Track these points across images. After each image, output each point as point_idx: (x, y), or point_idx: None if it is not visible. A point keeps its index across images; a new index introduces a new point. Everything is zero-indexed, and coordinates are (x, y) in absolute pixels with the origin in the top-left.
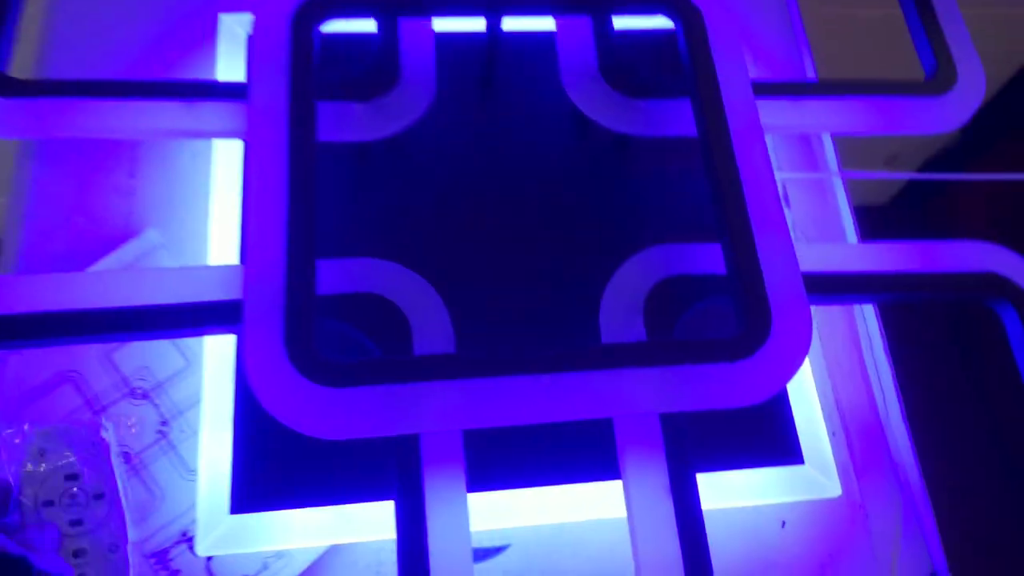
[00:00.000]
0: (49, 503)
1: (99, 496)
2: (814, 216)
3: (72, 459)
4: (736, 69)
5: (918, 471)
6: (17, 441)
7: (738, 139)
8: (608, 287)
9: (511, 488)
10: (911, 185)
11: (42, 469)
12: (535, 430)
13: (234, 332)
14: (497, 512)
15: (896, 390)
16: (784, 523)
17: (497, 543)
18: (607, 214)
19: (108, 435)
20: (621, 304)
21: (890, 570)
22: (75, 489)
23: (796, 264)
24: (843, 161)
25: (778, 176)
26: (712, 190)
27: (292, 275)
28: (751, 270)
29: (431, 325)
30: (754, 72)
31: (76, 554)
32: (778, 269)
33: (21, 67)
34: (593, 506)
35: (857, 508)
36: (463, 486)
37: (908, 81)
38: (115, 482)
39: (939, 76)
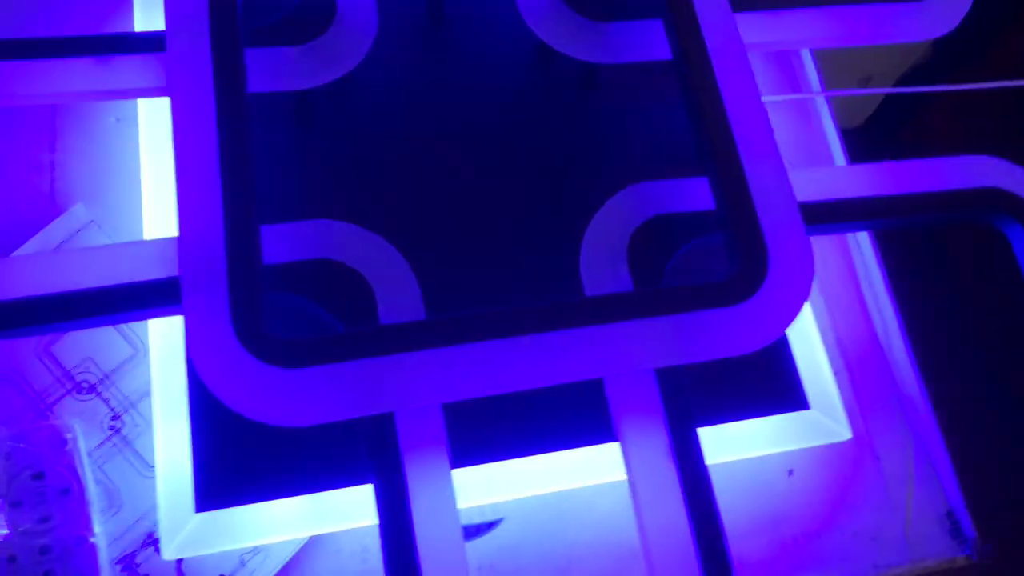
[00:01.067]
0: (18, 504)
1: (65, 492)
2: (797, 140)
3: (34, 460)
4: None
5: (928, 405)
6: None
7: (718, 59)
8: (587, 233)
9: (499, 460)
10: (886, 105)
11: (10, 471)
12: (520, 395)
13: (179, 312)
14: (486, 486)
15: (898, 321)
16: (792, 472)
17: (489, 518)
18: (579, 154)
19: (72, 434)
20: (603, 251)
21: (905, 512)
22: (42, 487)
23: (792, 193)
24: (827, 80)
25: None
26: (693, 118)
27: (233, 243)
28: (743, 203)
29: (396, 290)
30: None
31: (43, 551)
32: (772, 200)
33: None
34: (589, 472)
35: (866, 450)
36: (447, 463)
37: None
38: (81, 478)
39: None
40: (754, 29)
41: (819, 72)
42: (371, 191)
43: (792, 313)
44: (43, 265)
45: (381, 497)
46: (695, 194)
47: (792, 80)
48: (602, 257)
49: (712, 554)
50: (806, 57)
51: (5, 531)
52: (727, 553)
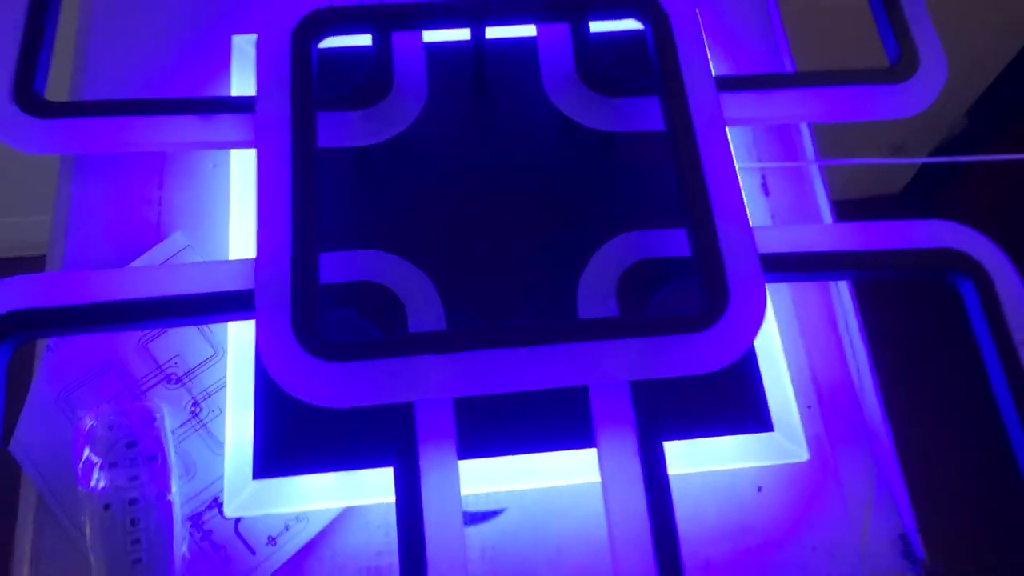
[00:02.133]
0: (114, 464)
1: (152, 458)
2: (792, 204)
3: (130, 431)
4: (700, 67)
5: (890, 439)
6: (91, 422)
7: (701, 133)
8: (585, 271)
9: (504, 455)
10: (922, 173)
11: (110, 440)
12: (525, 402)
13: (252, 318)
14: (490, 477)
15: (870, 365)
16: (761, 488)
17: (492, 508)
18: (585, 205)
19: (160, 414)
20: (597, 286)
21: (862, 531)
22: (134, 453)
23: (753, 247)
24: (844, 150)
25: (758, 166)
26: (677, 180)
27: (296, 267)
28: (712, 253)
29: (423, 308)
30: (733, 68)
31: (131, 502)
32: (737, 252)
33: (58, 90)
34: (579, 471)
35: (831, 475)
36: (454, 452)
37: (872, 69)
38: (164, 449)
39: (902, 63)
40: (747, 107)
41: (814, 142)
42: (410, 229)
43: (747, 341)
44: (149, 276)
45: (399, 478)
46: (676, 243)
47: (792, 150)
48: (596, 290)
49: (666, 546)
50: (804, 129)
51: (103, 484)
52: (678, 545)
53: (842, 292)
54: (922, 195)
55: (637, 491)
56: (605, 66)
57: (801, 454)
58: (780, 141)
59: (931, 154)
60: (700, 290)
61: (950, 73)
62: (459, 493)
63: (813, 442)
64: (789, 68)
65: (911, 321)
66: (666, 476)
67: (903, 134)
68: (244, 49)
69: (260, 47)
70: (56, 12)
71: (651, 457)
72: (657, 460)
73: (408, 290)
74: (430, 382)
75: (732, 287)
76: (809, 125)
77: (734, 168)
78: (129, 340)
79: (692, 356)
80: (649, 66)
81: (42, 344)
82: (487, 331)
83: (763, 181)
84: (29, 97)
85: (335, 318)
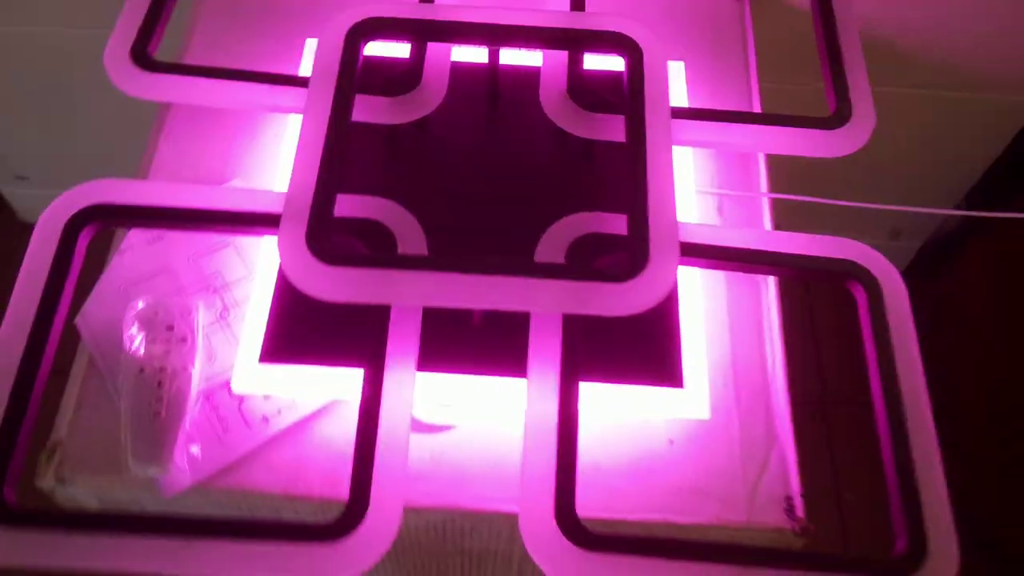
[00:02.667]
0: (153, 340)
1: (183, 340)
2: (740, 226)
3: (171, 316)
4: (660, 95)
5: (788, 417)
6: (141, 305)
7: (650, 145)
8: (545, 234)
9: (455, 374)
10: (920, 258)
11: (154, 321)
12: (479, 334)
13: (276, 234)
14: (443, 390)
15: (782, 356)
16: (672, 441)
17: (445, 424)
18: (556, 189)
19: (196, 310)
20: (552, 246)
21: (753, 487)
22: (169, 334)
23: (675, 232)
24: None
25: (716, 192)
26: (626, 178)
27: (317, 199)
28: (642, 231)
29: (411, 244)
30: (708, 103)
31: (160, 370)
32: (660, 233)
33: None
34: (517, 397)
35: (735, 440)
36: (414, 362)
37: (811, 117)
38: (194, 336)
39: (838, 113)
40: (697, 131)
41: (767, 176)
42: (415, 187)
43: (657, 297)
44: (203, 192)
45: (367, 377)
46: (619, 224)
47: (749, 183)
48: (550, 249)
49: (566, 461)
50: (761, 167)
51: (142, 353)
52: (575, 458)
53: (770, 293)
54: (921, 276)
55: (552, 415)
56: (591, 88)
57: (704, 412)
58: (739, 173)
59: (929, 239)
60: (628, 256)
61: (945, 159)
62: (412, 396)
63: (723, 412)
64: (757, 108)
65: (827, 321)
66: (576, 407)
67: (901, 220)
68: (313, 47)
69: (320, 42)
70: None
71: (568, 390)
72: (571, 393)
73: (402, 230)
74: (403, 290)
75: (652, 255)
76: (765, 162)
77: (672, 173)
78: (181, 255)
79: (612, 301)
80: (621, 91)
81: (116, 245)
82: (454, 258)
83: (719, 204)
84: (143, 56)
85: (341, 241)
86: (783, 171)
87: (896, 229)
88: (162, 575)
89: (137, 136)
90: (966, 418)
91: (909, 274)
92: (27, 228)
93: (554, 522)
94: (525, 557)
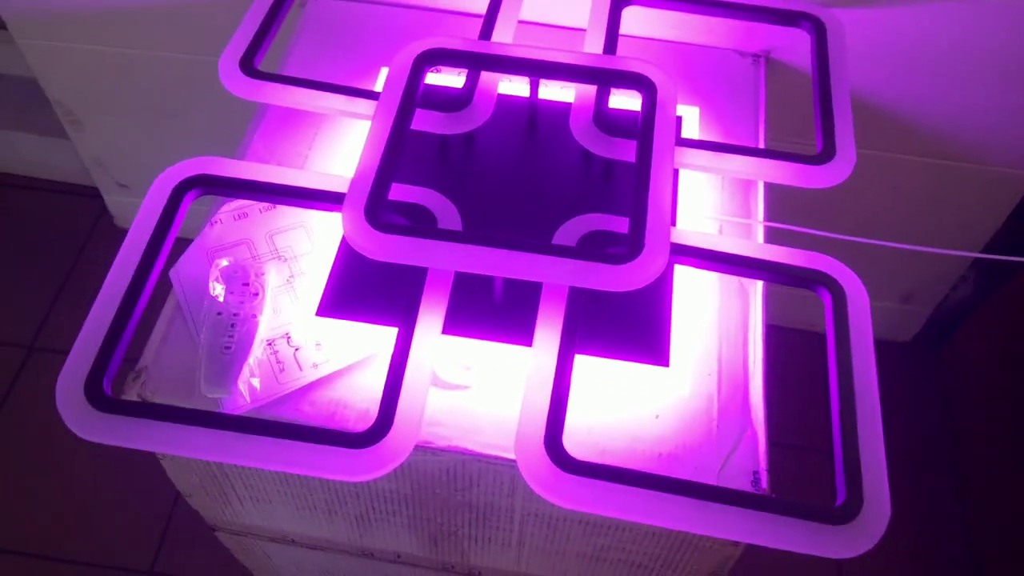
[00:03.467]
0: (231, 292)
1: (255, 295)
2: None
3: (247, 275)
4: (668, 124)
5: (764, 404)
6: (224, 263)
7: (655, 164)
8: (560, 228)
9: (480, 339)
10: (929, 325)
11: (233, 277)
12: (505, 301)
13: (339, 210)
14: (462, 351)
15: (763, 351)
16: (657, 416)
17: (462, 384)
18: (576, 194)
19: (267, 272)
20: (566, 238)
21: (724, 461)
22: (244, 289)
23: (667, 233)
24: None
25: (718, 217)
26: (632, 189)
27: (375, 185)
28: (639, 232)
29: (449, 224)
30: (718, 137)
31: (234, 314)
32: (655, 232)
33: (271, 63)
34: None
35: (711, 420)
36: (441, 320)
37: (798, 154)
38: (264, 292)
39: (823, 152)
40: (695, 157)
41: (766, 206)
42: (459, 182)
43: (649, 278)
44: (286, 172)
45: (399, 335)
46: (622, 224)
47: (747, 212)
48: (564, 240)
49: (557, 404)
50: (760, 193)
51: (221, 299)
52: (565, 404)
53: (757, 298)
54: (929, 343)
55: (550, 368)
56: (612, 117)
57: (685, 390)
58: (740, 204)
59: (940, 304)
60: (627, 246)
61: (955, 224)
62: (433, 352)
63: (705, 396)
64: (762, 144)
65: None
66: (571, 366)
67: (913, 284)
68: (386, 74)
69: (392, 64)
70: (284, 14)
71: (565, 353)
72: (568, 356)
73: (442, 214)
74: (438, 255)
75: (646, 246)
76: (765, 189)
77: (669, 186)
78: (261, 231)
79: (611, 278)
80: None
81: (209, 213)
82: (483, 234)
83: (720, 228)
84: (249, 66)
85: (391, 217)
86: (796, 237)
87: (908, 293)
88: (220, 462)
89: (229, 151)
90: (971, 479)
91: (920, 339)
92: (124, 234)
93: (543, 448)
94: (526, 515)
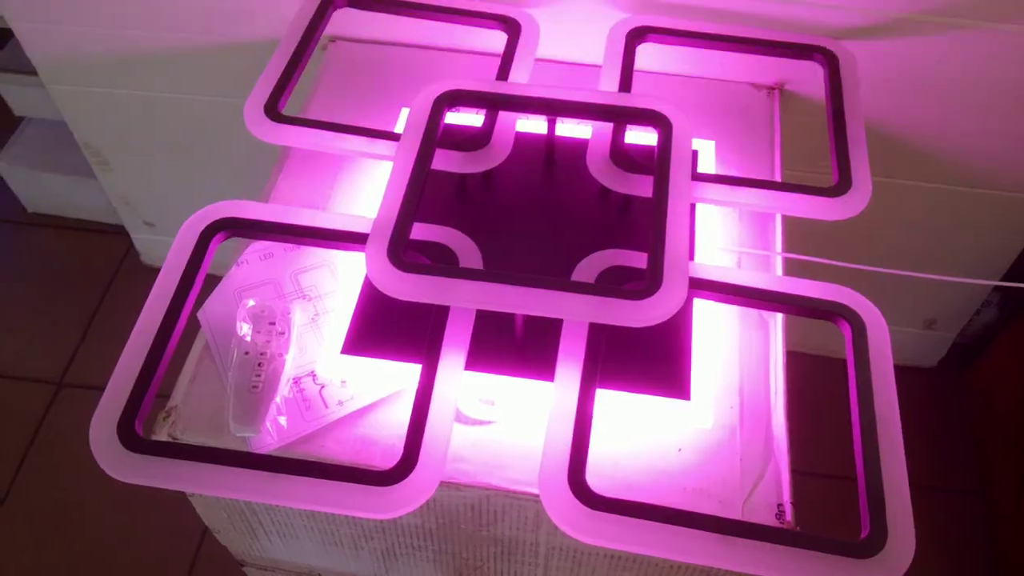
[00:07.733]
0: (258, 331)
1: (281, 333)
2: None
3: (273, 315)
4: (683, 160)
5: (786, 437)
6: (251, 303)
7: (672, 199)
8: (580, 263)
9: (502, 375)
10: (953, 350)
11: (260, 317)
12: (526, 339)
13: (363, 250)
14: (484, 388)
15: (784, 382)
16: (680, 449)
17: (487, 419)
18: (595, 229)
19: (293, 312)
20: (585, 273)
21: (749, 493)
22: (271, 328)
23: (686, 267)
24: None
25: (737, 249)
26: (651, 224)
27: (397, 225)
28: (657, 266)
29: (470, 262)
30: (734, 171)
31: (261, 354)
32: (673, 267)
33: (294, 107)
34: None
35: (736, 454)
36: (464, 357)
37: (814, 186)
38: (290, 331)
39: (840, 184)
40: (715, 192)
41: (783, 238)
42: (477, 221)
43: (668, 313)
44: (309, 213)
45: (423, 371)
46: (640, 260)
47: (766, 243)
48: (583, 275)
49: (580, 439)
50: (778, 223)
51: (248, 339)
52: (587, 439)
53: (778, 330)
54: (953, 369)
55: (572, 405)
56: (627, 153)
57: (707, 422)
58: (757, 233)
59: (964, 328)
60: (646, 282)
61: (975, 248)
62: (457, 388)
63: (728, 429)
64: (778, 175)
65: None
66: (592, 401)
67: (936, 309)
68: (407, 114)
69: (413, 106)
70: (307, 59)
71: (587, 388)
72: (589, 391)
73: (463, 253)
74: (460, 294)
75: (665, 281)
76: (783, 222)
77: (687, 221)
78: (286, 271)
79: (629, 314)
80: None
81: (236, 256)
82: (504, 273)
83: (738, 260)
84: (273, 110)
85: (414, 256)
86: (815, 267)
87: (931, 318)
88: (250, 501)
89: (254, 192)
90: (999, 506)
91: (944, 365)
92: (150, 271)
93: (567, 484)
94: (551, 549)
